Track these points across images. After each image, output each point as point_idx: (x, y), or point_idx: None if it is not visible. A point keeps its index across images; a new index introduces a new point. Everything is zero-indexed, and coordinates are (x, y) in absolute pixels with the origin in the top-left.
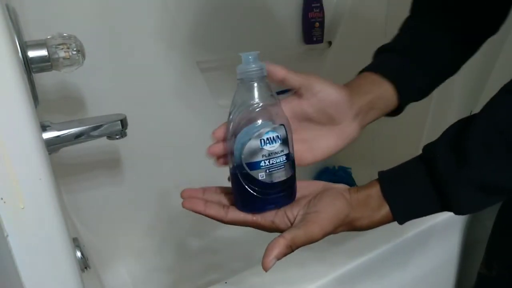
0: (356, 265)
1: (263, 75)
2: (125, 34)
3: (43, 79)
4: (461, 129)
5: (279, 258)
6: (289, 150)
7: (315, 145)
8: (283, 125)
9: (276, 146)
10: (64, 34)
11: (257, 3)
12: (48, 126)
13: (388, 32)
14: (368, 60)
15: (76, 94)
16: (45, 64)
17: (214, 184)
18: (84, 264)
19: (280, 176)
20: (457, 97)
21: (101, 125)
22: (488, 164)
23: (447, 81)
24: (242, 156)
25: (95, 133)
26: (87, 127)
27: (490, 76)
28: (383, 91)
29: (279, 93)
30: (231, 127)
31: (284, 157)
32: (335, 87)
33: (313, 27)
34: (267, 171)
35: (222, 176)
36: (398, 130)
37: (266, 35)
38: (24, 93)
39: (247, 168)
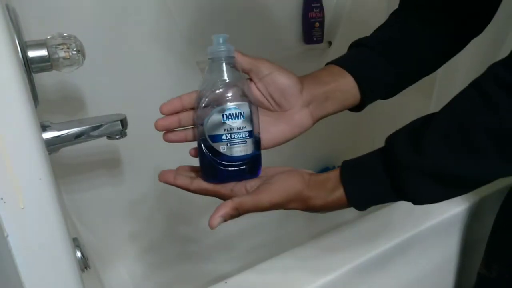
0: (356, 265)
1: (231, 55)
2: (125, 34)
3: (43, 79)
4: (424, 121)
5: (226, 218)
6: (252, 128)
7: (266, 130)
8: (247, 103)
9: (238, 122)
10: (64, 34)
11: (257, 3)
12: (48, 126)
13: None
14: None
15: (76, 94)
16: (45, 64)
17: None
18: (84, 264)
19: (241, 150)
20: None
21: (101, 125)
22: (443, 153)
23: (447, 81)
24: (206, 129)
25: (95, 133)
26: (87, 127)
27: None
28: (343, 84)
29: None
30: (199, 101)
31: (247, 133)
32: (284, 73)
33: (313, 27)
34: (228, 144)
35: None
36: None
37: (266, 35)
38: (24, 93)
39: (209, 140)
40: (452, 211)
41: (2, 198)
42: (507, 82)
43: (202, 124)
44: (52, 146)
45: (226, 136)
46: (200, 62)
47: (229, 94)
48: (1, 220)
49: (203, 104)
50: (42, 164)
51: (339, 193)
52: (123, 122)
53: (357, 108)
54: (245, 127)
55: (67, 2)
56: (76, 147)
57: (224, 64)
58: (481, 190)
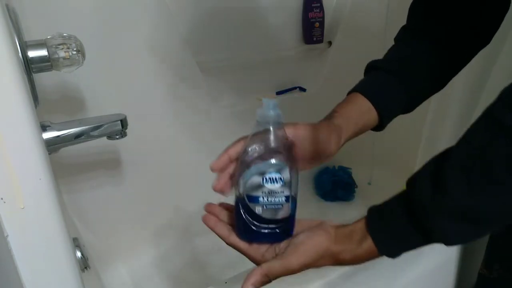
0: (354, 266)
1: (280, 121)
2: (125, 34)
3: (43, 79)
4: (443, 159)
5: (256, 286)
6: (290, 193)
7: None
8: (288, 168)
9: (277, 186)
10: (64, 34)
11: (257, 3)
12: (48, 126)
13: (388, 32)
14: (367, 60)
15: (76, 94)
16: (45, 64)
17: (211, 180)
18: (84, 264)
19: (276, 214)
20: (457, 97)
21: (101, 125)
22: (465, 191)
23: None
24: (244, 187)
25: (95, 133)
26: (87, 127)
27: (490, 76)
28: (370, 118)
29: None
30: (244, 158)
31: (284, 198)
32: (326, 144)
33: (313, 27)
34: (264, 206)
35: None
36: (398, 130)
37: (266, 35)
38: (24, 93)
39: (246, 200)
40: None
41: (2, 198)
42: None
43: (241, 182)
44: (52, 146)
45: (263, 199)
46: (200, 62)
47: (272, 160)
48: (1, 220)
49: (246, 164)
50: (42, 164)
51: (368, 244)
52: (123, 122)
53: (374, 129)
54: (283, 192)
55: (67, 2)
56: (76, 147)
57: (271, 129)
58: None
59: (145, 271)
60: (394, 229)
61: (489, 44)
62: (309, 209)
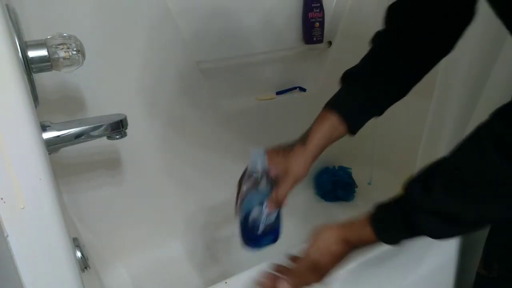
0: (355, 266)
1: (265, 170)
2: (125, 34)
3: (43, 79)
4: (436, 167)
5: None
6: (279, 224)
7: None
8: (278, 210)
9: (266, 210)
10: (64, 34)
11: (257, 3)
12: (48, 126)
13: None
14: None
15: (76, 94)
16: (45, 64)
17: (211, 180)
18: (84, 264)
19: (268, 227)
20: (456, 97)
21: (101, 125)
22: (445, 197)
23: (447, 81)
24: (245, 213)
25: (95, 133)
26: (87, 127)
27: (490, 76)
28: (341, 130)
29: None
30: (242, 193)
31: (273, 216)
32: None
33: (313, 27)
34: (261, 224)
35: (219, 172)
36: (397, 130)
37: (266, 35)
38: (24, 93)
39: (250, 225)
40: None
41: (2, 198)
42: (503, 142)
43: (241, 209)
44: (52, 146)
45: (259, 219)
46: (200, 62)
47: (261, 194)
48: (1, 220)
49: (243, 197)
50: (42, 164)
51: (369, 230)
52: (123, 122)
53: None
54: (273, 212)
55: (67, 2)
56: (76, 147)
57: (258, 175)
58: None
59: (145, 271)
60: (389, 221)
61: (489, 44)
62: (309, 209)
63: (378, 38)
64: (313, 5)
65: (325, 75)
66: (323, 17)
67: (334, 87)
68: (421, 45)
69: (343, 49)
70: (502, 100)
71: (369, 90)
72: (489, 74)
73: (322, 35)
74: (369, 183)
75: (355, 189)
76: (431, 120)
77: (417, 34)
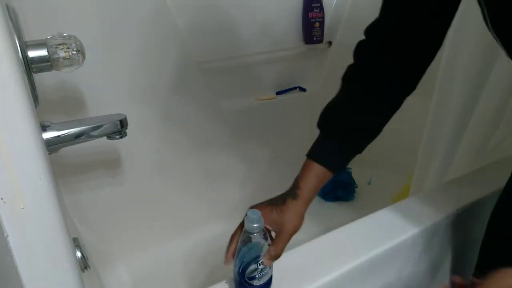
0: (354, 266)
1: (261, 229)
2: (125, 34)
3: (43, 79)
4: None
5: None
6: (271, 275)
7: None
8: (272, 265)
9: (260, 265)
10: (64, 34)
11: (257, 3)
12: (48, 126)
13: None
14: None
15: (76, 94)
16: (45, 64)
17: (211, 180)
18: (84, 264)
19: (266, 278)
20: (456, 98)
21: (101, 125)
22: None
23: (447, 81)
24: (245, 270)
25: (95, 133)
26: (87, 127)
27: (490, 76)
28: (326, 176)
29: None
30: (238, 247)
31: (267, 269)
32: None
33: (313, 27)
34: (259, 276)
35: (219, 172)
36: (398, 130)
37: (267, 35)
38: (24, 93)
39: (246, 277)
40: (444, 213)
41: (2, 198)
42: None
43: (237, 263)
44: (52, 146)
45: (258, 274)
46: (200, 62)
47: (256, 250)
48: (1, 220)
49: (239, 253)
50: (42, 164)
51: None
52: (123, 122)
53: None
54: (270, 267)
55: (67, 2)
56: (76, 147)
57: (255, 235)
58: (472, 194)
59: (145, 271)
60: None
61: (489, 44)
62: (309, 209)
63: (348, 76)
64: (313, 5)
65: (325, 75)
66: (323, 17)
67: (334, 87)
68: (389, 82)
69: (343, 49)
70: (502, 100)
71: (344, 136)
72: (489, 74)
73: (322, 35)
74: (369, 183)
75: (355, 189)
76: (431, 120)
77: (384, 70)
